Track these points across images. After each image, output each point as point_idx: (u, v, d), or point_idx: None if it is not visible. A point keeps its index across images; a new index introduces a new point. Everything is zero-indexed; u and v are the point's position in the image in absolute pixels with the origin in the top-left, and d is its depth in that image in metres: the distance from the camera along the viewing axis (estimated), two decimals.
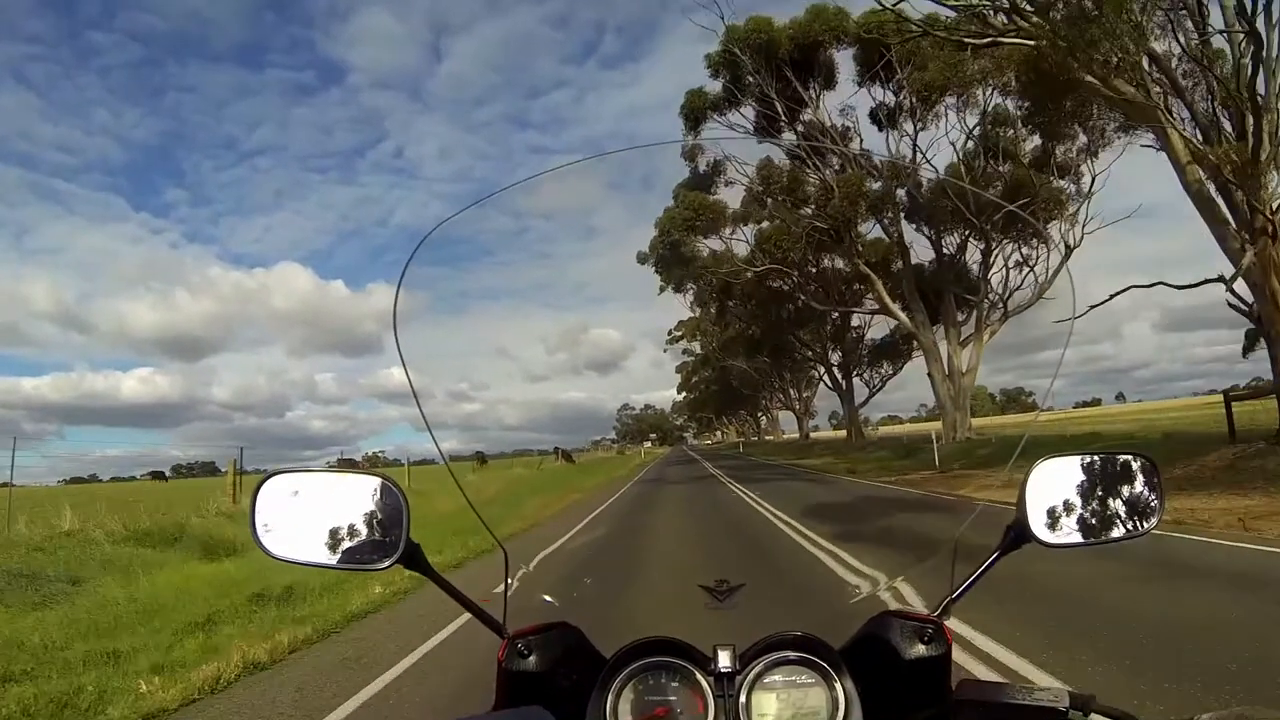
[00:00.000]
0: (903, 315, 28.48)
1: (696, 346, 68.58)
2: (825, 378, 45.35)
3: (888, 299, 28.76)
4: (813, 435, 62.34)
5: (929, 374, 27.63)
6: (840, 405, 47.65)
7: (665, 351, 74.18)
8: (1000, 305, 28.49)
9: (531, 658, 0.95)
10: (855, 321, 41.69)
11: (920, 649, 0.95)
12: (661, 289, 51.25)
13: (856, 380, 43.82)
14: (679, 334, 68.71)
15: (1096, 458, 1.09)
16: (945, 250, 29.86)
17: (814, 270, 33.74)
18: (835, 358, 44.39)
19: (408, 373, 1.00)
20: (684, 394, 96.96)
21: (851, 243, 28.93)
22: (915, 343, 30.30)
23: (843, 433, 49.47)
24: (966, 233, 28.75)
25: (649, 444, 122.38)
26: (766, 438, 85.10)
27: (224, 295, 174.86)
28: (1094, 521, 1.06)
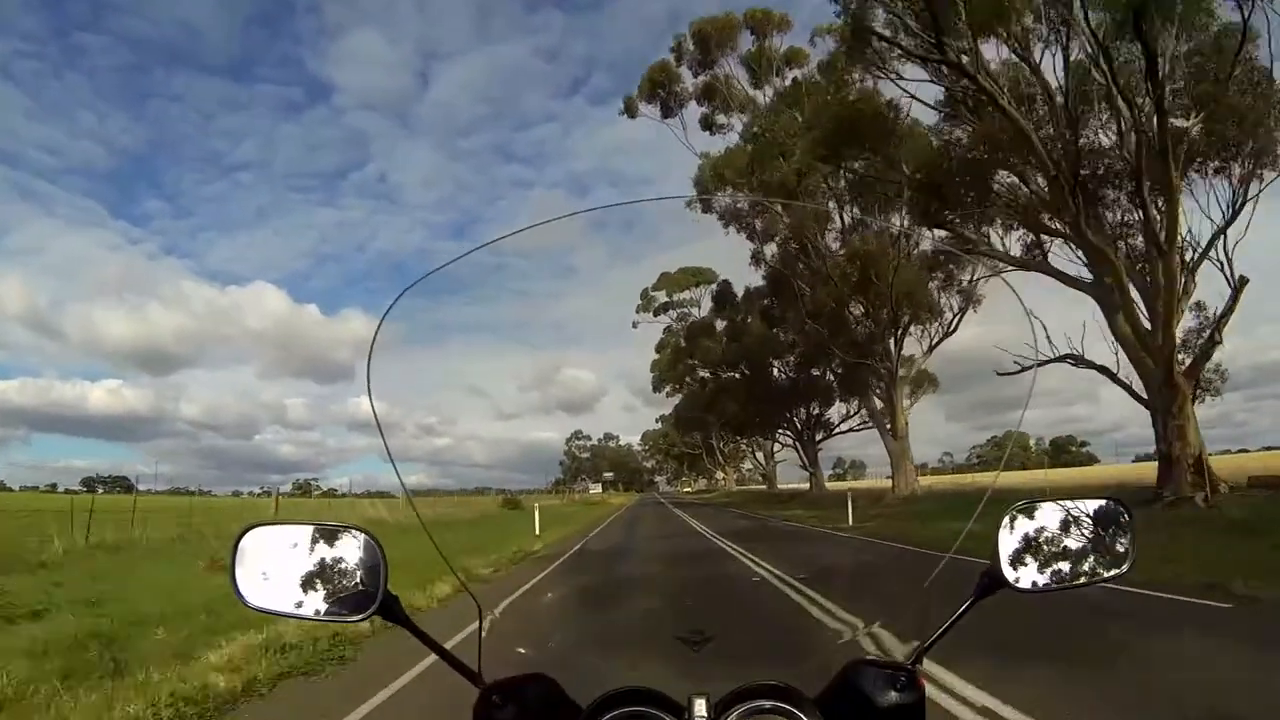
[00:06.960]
0: None
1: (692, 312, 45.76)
2: None
3: None
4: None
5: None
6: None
7: (636, 328, 54.25)
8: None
9: (507, 708, 0.96)
10: None
11: (894, 696, 0.96)
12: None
13: None
14: (662, 296, 46.25)
15: (1069, 504, 1.10)
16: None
17: None
18: None
19: (374, 407, 1.01)
20: (666, 396, 58.99)
21: None
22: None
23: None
24: None
25: (598, 487, 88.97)
26: (842, 485, 43.09)
27: (197, 311, 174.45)
28: (1067, 566, 1.07)
